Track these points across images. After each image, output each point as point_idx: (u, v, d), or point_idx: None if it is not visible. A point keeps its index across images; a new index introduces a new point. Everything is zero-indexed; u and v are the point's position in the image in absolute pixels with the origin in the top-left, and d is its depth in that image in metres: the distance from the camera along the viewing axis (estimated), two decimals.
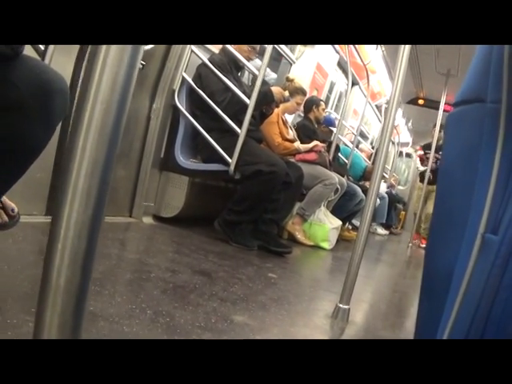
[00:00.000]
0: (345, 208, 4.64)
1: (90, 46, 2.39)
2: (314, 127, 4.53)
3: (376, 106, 8.17)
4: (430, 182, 6.36)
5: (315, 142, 4.11)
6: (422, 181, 6.74)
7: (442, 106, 6.21)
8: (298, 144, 4.02)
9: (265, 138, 3.68)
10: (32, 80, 1.14)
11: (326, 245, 3.98)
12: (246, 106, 2.94)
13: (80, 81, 2.48)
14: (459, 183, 0.72)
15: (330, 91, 6.55)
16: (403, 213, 9.86)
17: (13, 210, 1.38)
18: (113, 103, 0.47)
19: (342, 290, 1.90)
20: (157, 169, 3.22)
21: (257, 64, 3.40)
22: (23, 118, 1.15)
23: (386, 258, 5.31)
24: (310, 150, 4.04)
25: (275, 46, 3.21)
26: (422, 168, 7.10)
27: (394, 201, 8.27)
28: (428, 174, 6.33)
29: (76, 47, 2.49)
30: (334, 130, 5.22)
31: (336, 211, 4.31)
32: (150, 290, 1.68)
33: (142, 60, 2.74)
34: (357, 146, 6.10)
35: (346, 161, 5.76)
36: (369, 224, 1.92)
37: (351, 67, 5.35)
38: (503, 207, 0.64)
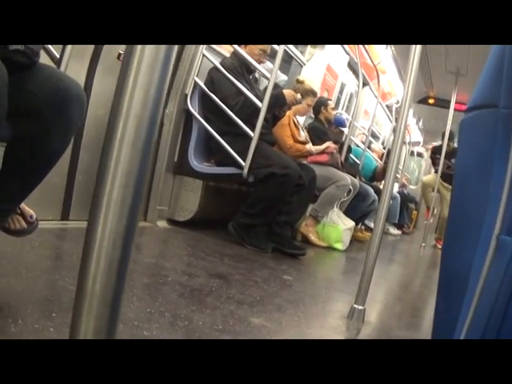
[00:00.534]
0: (358, 209, 4.62)
1: (121, 61, 2.43)
2: (325, 128, 4.52)
3: (387, 105, 8.15)
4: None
5: (327, 144, 4.11)
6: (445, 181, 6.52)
7: (452, 105, 6.19)
8: (309, 146, 4.02)
9: (277, 140, 3.69)
10: (49, 88, 1.16)
11: (339, 246, 3.98)
12: (258, 110, 2.96)
13: (92, 87, 2.52)
14: (474, 186, 0.73)
15: (341, 92, 6.55)
16: (415, 212, 9.82)
17: (31, 217, 1.40)
18: (145, 118, 0.49)
19: (357, 291, 1.90)
20: (171, 173, 3.24)
21: (268, 67, 3.41)
22: (41, 125, 1.17)
23: (399, 258, 5.30)
24: (322, 152, 4.04)
25: (286, 48, 3.21)
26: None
27: (406, 200, 8.23)
28: (438, 180, 6.23)
29: (89, 54, 2.53)
30: (345, 130, 5.21)
31: (349, 212, 4.30)
32: (168, 293, 1.71)
33: None
34: (368, 147, 6.08)
35: (358, 161, 5.74)
36: (383, 224, 1.92)
37: (361, 68, 5.35)
38: None
